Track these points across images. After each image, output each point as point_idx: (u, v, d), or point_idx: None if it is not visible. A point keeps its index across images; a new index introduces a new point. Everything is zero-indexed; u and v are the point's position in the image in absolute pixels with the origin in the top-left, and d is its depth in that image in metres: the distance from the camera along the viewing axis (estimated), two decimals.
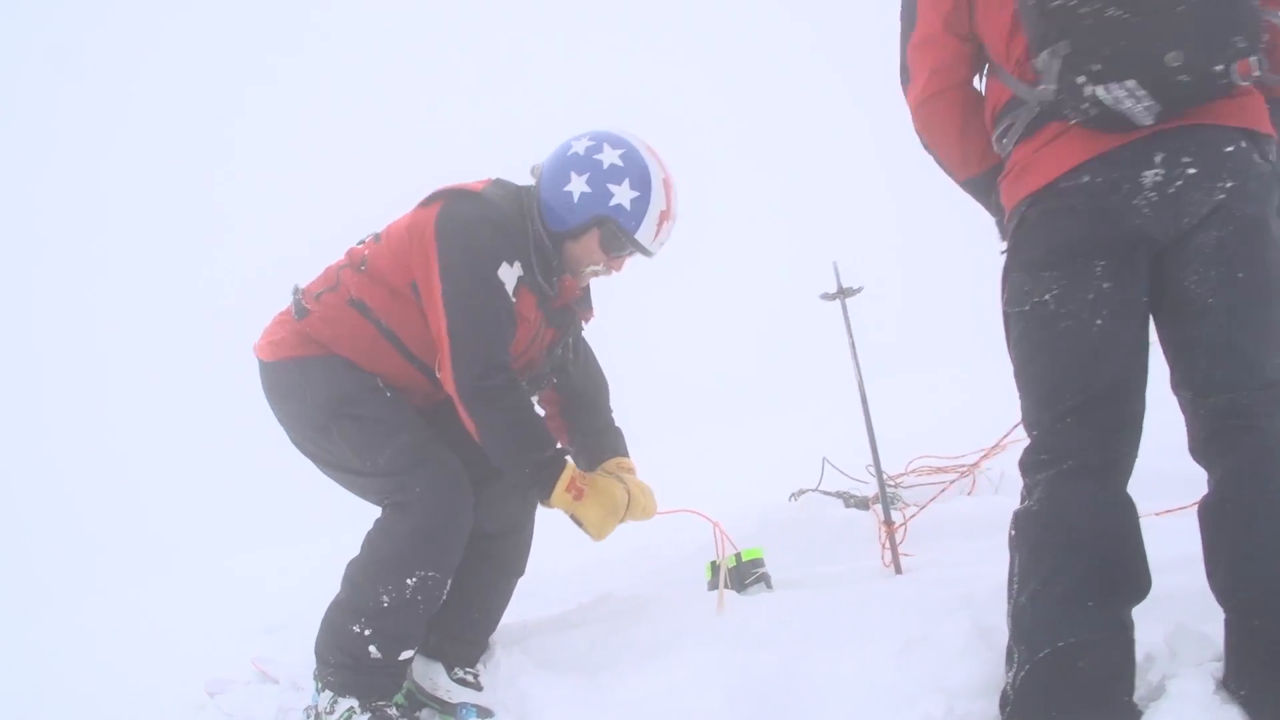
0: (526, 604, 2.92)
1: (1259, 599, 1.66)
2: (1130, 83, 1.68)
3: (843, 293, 3.01)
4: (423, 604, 2.41)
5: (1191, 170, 1.71)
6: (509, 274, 2.46)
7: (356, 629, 2.39)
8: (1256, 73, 1.66)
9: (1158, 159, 1.72)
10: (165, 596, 4.99)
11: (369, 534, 2.48)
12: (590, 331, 2.98)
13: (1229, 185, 1.72)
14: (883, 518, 3.03)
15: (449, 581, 2.47)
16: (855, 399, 3.14)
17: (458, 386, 2.42)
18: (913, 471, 3.93)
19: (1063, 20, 1.71)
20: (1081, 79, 1.71)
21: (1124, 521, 1.79)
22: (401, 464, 2.45)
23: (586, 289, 2.79)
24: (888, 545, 2.97)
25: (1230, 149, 1.72)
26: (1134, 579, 1.77)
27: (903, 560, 2.96)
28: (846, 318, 3.04)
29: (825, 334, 3.27)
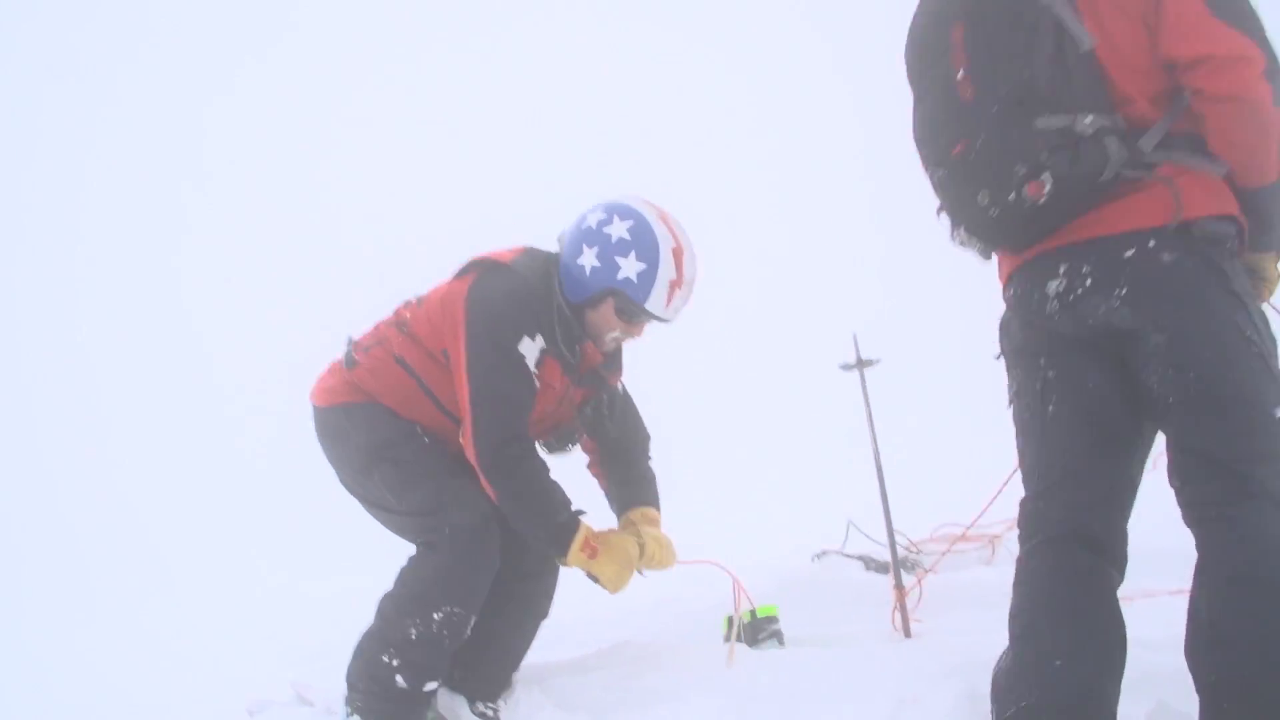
0: (550, 645, 3.04)
1: (1226, 682, 1.70)
2: (962, 229, 1.94)
3: (861, 364, 3.13)
4: (448, 638, 2.53)
5: (1089, 280, 1.83)
6: (530, 347, 2.58)
7: (385, 658, 2.52)
8: (1047, 188, 1.75)
9: (1062, 269, 1.86)
10: (219, 619, 5.22)
11: (402, 570, 2.63)
12: (633, 386, 3.07)
13: (1124, 292, 1.79)
14: (894, 582, 3.11)
15: (473, 618, 2.58)
16: (884, 463, 3.25)
17: (478, 456, 2.56)
18: (935, 539, 3.99)
19: (931, 183, 1.99)
20: (949, 229, 1.99)
21: (1091, 588, 1.86)
22: (433, 505, 2.60)
23: (617, 352, 2.91)
24: (899, 609, 3.05)
25: (1130, 253, 1.79)
26: (1104, 645, 1.82)
27: (913, 625, 3.03)
28: (864, 388, 3.16)
29: (857, 398, 3.35)
